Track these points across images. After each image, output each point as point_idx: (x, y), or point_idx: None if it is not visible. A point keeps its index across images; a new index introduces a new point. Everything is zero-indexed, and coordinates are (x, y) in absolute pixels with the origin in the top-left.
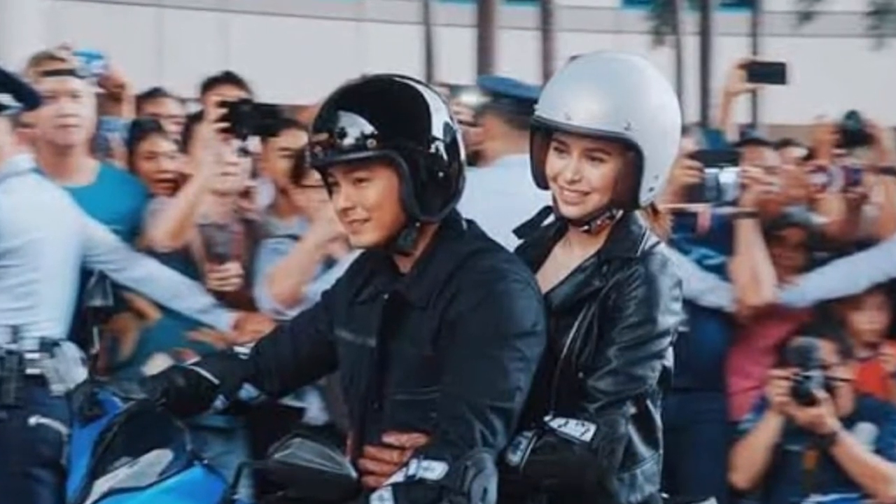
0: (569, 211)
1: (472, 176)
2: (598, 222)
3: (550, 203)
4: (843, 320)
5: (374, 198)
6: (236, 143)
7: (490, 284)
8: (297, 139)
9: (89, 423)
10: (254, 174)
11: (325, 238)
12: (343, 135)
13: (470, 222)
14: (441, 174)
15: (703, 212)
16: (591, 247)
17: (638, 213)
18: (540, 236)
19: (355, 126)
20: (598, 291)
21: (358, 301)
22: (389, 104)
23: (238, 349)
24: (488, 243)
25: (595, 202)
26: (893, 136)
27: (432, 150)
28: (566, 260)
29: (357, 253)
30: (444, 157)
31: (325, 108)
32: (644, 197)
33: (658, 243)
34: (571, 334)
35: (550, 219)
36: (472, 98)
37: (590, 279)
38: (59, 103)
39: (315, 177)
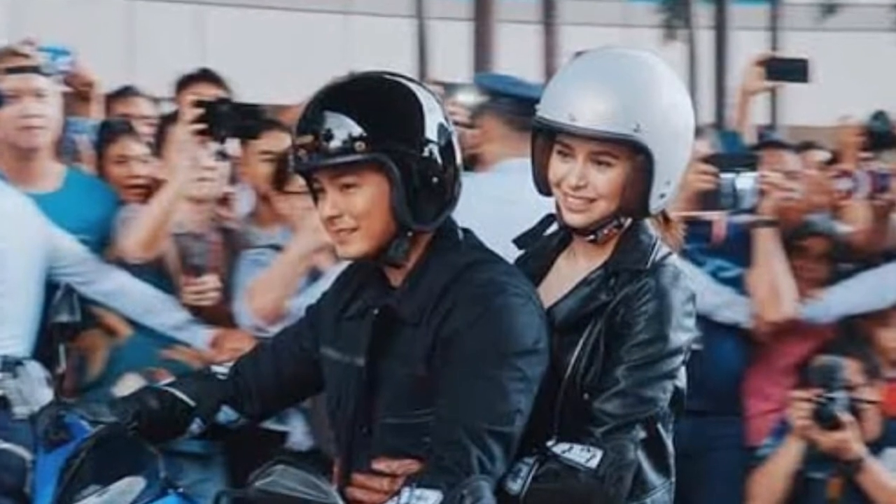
0: (573, 219)
1: (468, 181)
2: (605, 231)
3: (553, 210)
4: (870, 337)
5: (363, 205)
6: (214, 145)
7: (488, 299)
8: (279, 142)
9: (55, 448)
10: (233, 180)
11: (309, 248)
12: (329, 137)
13: (466, 232)
14: (435, 179)
15: (719, 220)
16: (597, 258)
17: (648, 222)
18: (542, 247)
19: (342, 128)
20: (605, 306)
21: (345, 317)
22: (379, 104)
23: (216, 369)
24: (486, 254)
25: (602, 210)
26: None
27: (426, 153)
28: (570, 272)
29: (344, 265)
30: (439, 161)
31: (309, 109)
32: (654, 204)
33: (669, 254)
34: (576, 352)
35: (553, 227)
36: (469, 97)
37: (596, 293)
38: (23, 103)
39: (299, 182)
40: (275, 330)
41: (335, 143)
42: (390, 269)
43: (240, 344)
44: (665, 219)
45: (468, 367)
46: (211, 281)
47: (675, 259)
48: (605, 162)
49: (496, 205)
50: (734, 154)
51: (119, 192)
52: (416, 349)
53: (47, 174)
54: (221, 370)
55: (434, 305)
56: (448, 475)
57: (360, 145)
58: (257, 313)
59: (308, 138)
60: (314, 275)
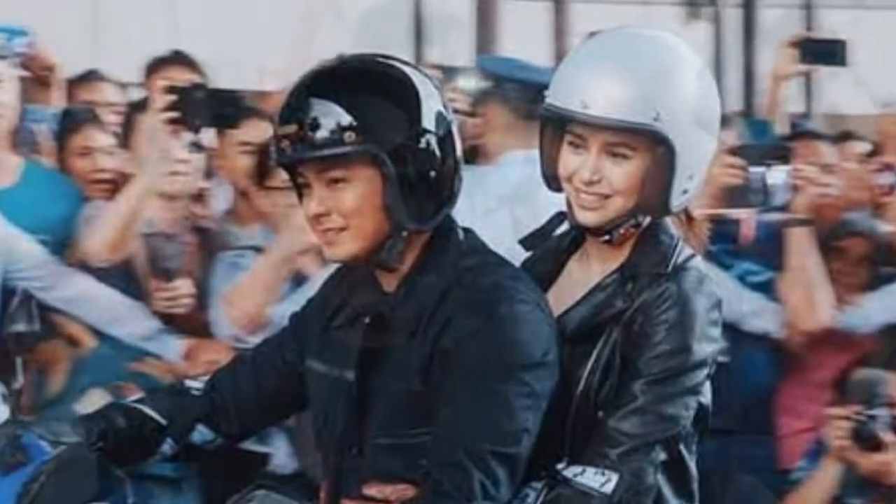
0: (586, 217)
1: (469, 176)
2: (622, 231)
3: (564, 208)
4: None
5: (353, 202)
6: (187, 136)
7: (491, 306)
8: (260, 132)
9: (11, 471)
10: (208, 174)
11: (293, 250)
12: (315, 126)
13: (467, 231)
14: (433, 174)
15: (747, 219)
16: (612, 261)
17: (669, 221)
18: (551, 248)
19: (330, 116)
20: (621, 314)
21: (333, 326)
22: (371, 90)
23: (190, 383)
24: (489, 257)
25: (617, 207)
26: None
27: (422, 144)
28: (583, 276)
29: (332, 268)
30: (437, 153)
31: (293, 95)
32: (676, 201)
33: (693, 257)
34: (589, 365)
35: (564, 227)
36: (471, 82)
37: (611, 299)
38: None
39: (282, 177)
40: (255, 340)
41: (322, 134)
42: (383, 272)
43: (216, 356)
44: (688, 217)
45: (470, 381)
46: (184, 286)
47: (698, 262)
48: (621, 154)
49: (500, 202)
50: (764, 145)
51: (82, 188)
52: (412, 361)
53: (3, 168)
54: (196, 385)
55: (432, 313)
56: (447, 501)
57: (349, 136)
58: (236, 322)
59: (292, 128)
60: (299, 279)
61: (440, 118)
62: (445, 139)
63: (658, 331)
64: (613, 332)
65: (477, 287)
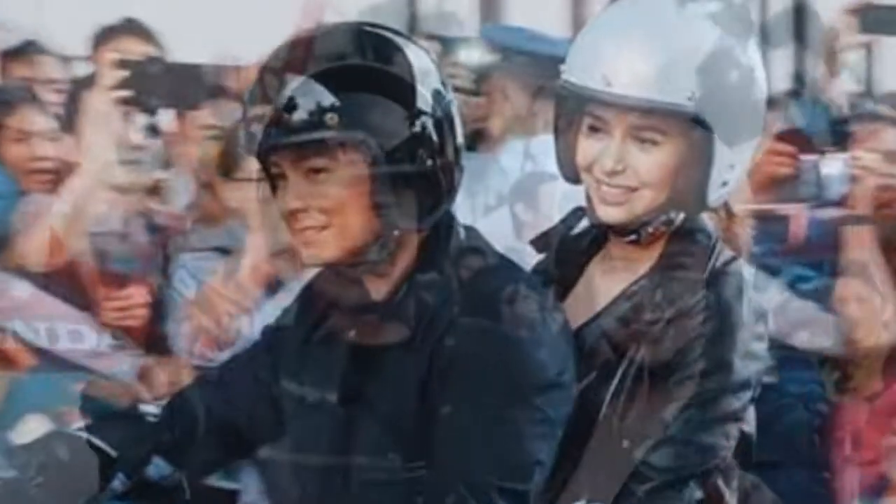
0: (609, 214)
1: (472, 165)
2: (650, 230)
3: (583, 203)
4: None
5: (336, 196)
6: (142, 118)
7: (497, 316)
8: (226, 114)
9: None
10: (167, 163)
11: (266, 252)
12: (292, 108)
13: (469, 230)
14: (430, 163)
15: (798, 215)
16: (639, 264)
17: (706, 218)
18: (568, 250)
19: (309, 95)
20: (651, 327)
21: (314, 341)
22: (357, 65)
23: (145, 408)
24: (495, 259)
25: (646, 202)
26: None
27: (417, 129)
28: (606, 283)
29: (312, 273)
30: (434, 138)
31: (267, 71)
32: (714, 194)
33: (734, 260)
34: (613, 387)
35: (583, 225)
36: (474, 56)
37: (638, 310)
38: None
39: (252, 167)
40: (222, 358)
41: (300, 116)
42: (371, 277)
43: (175, 376)
44: (728, 214)
45: (472, 404)
46: (138, 294)
47: (740, 266)
48: (649, 140)
49: (499, 198)
50: (818, 130)
51: (18, 179)
52: (407, 381)
53: None
54: (152, 410)
55: (428, 324)
56: None
57: (331, 118)
58: (199, 336)
59: (264, 109)
60: (273, 286)
61: (438, 98)
62: (444, 122)
63: (693, 347)
64: (641, 349)
65: (480, 294)
